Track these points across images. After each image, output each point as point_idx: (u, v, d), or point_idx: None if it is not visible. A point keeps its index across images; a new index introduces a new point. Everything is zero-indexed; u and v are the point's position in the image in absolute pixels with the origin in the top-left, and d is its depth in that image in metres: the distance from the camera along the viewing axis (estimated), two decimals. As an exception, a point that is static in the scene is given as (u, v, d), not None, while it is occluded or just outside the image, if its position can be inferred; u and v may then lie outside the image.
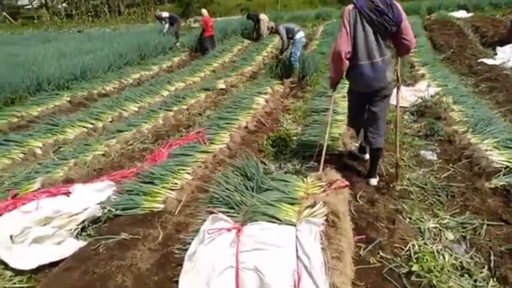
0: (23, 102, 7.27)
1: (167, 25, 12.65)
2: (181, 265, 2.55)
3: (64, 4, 30.77)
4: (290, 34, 7.79)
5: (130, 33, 14.75)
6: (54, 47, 12.15)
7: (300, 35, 7.73)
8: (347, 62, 3.28)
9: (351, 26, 3.18)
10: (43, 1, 31.41)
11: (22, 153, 5.16)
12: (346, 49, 3.19)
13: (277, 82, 7.51)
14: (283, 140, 4.88)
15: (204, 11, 11.73)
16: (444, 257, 2.66)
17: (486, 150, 4.01)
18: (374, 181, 3.71)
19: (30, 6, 33.00)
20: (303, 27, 9.88)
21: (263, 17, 12.36)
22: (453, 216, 3.14)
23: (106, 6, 28.00)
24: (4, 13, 29.45)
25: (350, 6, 3.24)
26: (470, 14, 13.14)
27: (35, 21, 27.48)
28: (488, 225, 2.96)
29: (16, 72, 7.98)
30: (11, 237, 3.06)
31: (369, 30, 3.17)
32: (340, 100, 5.98)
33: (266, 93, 6.72)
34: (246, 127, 5.41)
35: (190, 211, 3.48)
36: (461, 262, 2.63)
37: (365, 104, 3.53)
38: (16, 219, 3.26)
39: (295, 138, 5.00)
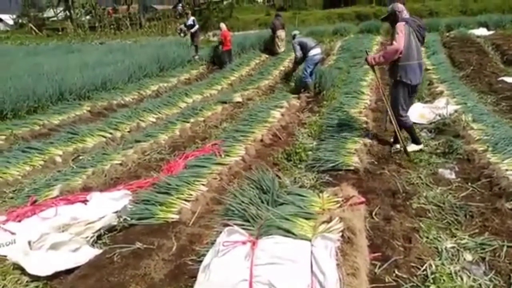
0: (45, 110, 7.47)
1: (190, 21, 12.89)
2: (194, 276, 2.55)
3: (88, 17, 31.71)
4: (304, 49, 7.72)
5: (150, 45, 15.06)
6: (77, 58, 12.51)
7: (313, 52, 7.62)
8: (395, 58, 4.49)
9: (406, 35, 4.40)
10: (68, 14, 32.44)
11: (42, 160, 5.29)
12: (401, 49, 4.39)
13: (293, 96, 7.55)
14: (298, 154, 4.88)
15: (222, 25, 11.92)
16: (462, 279, 2.59)
17: (507, 170, 3.92)
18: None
19: (55, 18, 34.16)
20: (320, 43, 9.91)
21: (279, 33, 12.48)
22: (472, 236, 3.07)
23: (128, 19, 28.74)
24: (31, 25, 30.52)
25: (403, 22, 4.44)
26: (491, 32, 12.98)
27: (60, 32, 28.40)
28: (508, 246, 2.87)
29: (40, 82, 8.23)
30: (29, 242, 3.12)
31: (416, 40, 4.50)
32: (357, 116, 5.97)
33: (282, 107, 6.75)
34: (261, 140, 5.43)
35: (205, 223, 3.49)
36: (480, 284, 2.55)
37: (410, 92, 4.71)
38: (35, 225, 3.34)
39: (310, 152, 4.99)
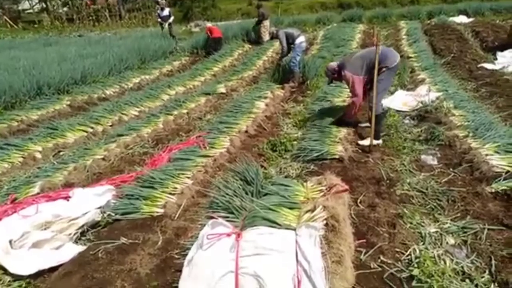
0: (23, 106, 7.28)
1: (166, 12, 12.85)
2: (180, 270, 2.54)
3: (65, 9, 30.84)
4: (291, 39, 7.71)
5: (131, 37, 14.75)
6: (55, 51, 12.16)
7: (300, 40, 7.66)
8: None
9: (357, 79, 4.68)
10: (44, 6, 31.47)
11: (21, 157, 5.16)
12: (360, 100, 4.86)
13: (277, 86, 7.52)
14: (283, 144, 4.88)
15: (207, 24, 12.41)
16: (445, 262, 2.65)
17: (487, 154, 4.00)
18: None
19: (31, 11, 33.10)
20: (303, 32, 9.88)
21: (265, 23, 12.39)
22: (454, 220, 3.13)
23: (107, 10, 28.05)
24: (5, 17, 29.53)
25: (349, 73, 4.70)
26: (471, 19, 13.13)
27: (36, 25, 27.54)
28: (489, 229, 2.94)
29: (16, 76, 7.99)
30: (10, 241, 3.05)
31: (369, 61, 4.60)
32: (341, 105, 5.99)
33: (266, 98, 6.73)
34: (246, 131, 5.41)
35: (190, 216, 3.47)
36: (462, 267, 2.62)
37: None
38: (16, 223, 3.26)
39: (295, 142, 4.99)
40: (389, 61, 4.49)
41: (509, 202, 3.27)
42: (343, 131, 4.94)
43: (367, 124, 4.96)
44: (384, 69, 4.49)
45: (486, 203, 3.30)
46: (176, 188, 3.82)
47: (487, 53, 9.00)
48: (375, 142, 4.60)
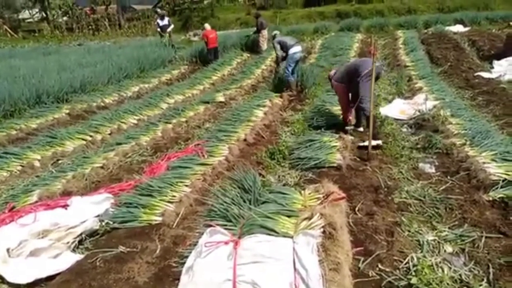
0: (22, 114, 7.31)
1: (165, 21, 12.96)
2: (178, 278, 2.54)
3: (65, 18, 31.04)
4: (285, 48, 7.70)
5: (130, 46, 14.84)
6: (55, 60, 12.22)
7: (293, 50, 7.55)
8: None
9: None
10: (44, 15, 31.67)
11: (20, 165, 5.17)
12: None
13: (275, 95, 7.56)
14: (282, 153, 4.89)
15: (205, 25, 12.09)
16: (443, 270, 2.65)
17: (484, 162, 4.02)
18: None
19: (31, 20, 33.29)
20: (301, 41, 9.96)
21: (264, 32, 12.49)
22: (452, 228, 3.14)
23: (107, 20, 28.23)
24: (5, 27, 29.66)
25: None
26: (467, 29, 13.27)
27: (36, 34, 27.70)
28: (486, 237, 2.95)
29: (16, 85, 8.04)
30: (7, 250, 3.04)
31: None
32: (339, 113, 6.02)
33: (264, 106, 6.76)
34: (245, 140, 5.42)
35: (188, 224, 3.47)
36: (460, 274, 2.61)
37: None
38: (13, 232, 3.26)
39: (293, 150, 5.00)
40: (362, 69, 5.02)
41: (506, 210, 3.28)
42: (341, 139, 4.95)
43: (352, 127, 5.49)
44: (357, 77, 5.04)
45: (483, 211, 3.31)
46: (174, 196, 3.82)
47: (483, 62, 9.06)
48: (374, 142, 4.66)
